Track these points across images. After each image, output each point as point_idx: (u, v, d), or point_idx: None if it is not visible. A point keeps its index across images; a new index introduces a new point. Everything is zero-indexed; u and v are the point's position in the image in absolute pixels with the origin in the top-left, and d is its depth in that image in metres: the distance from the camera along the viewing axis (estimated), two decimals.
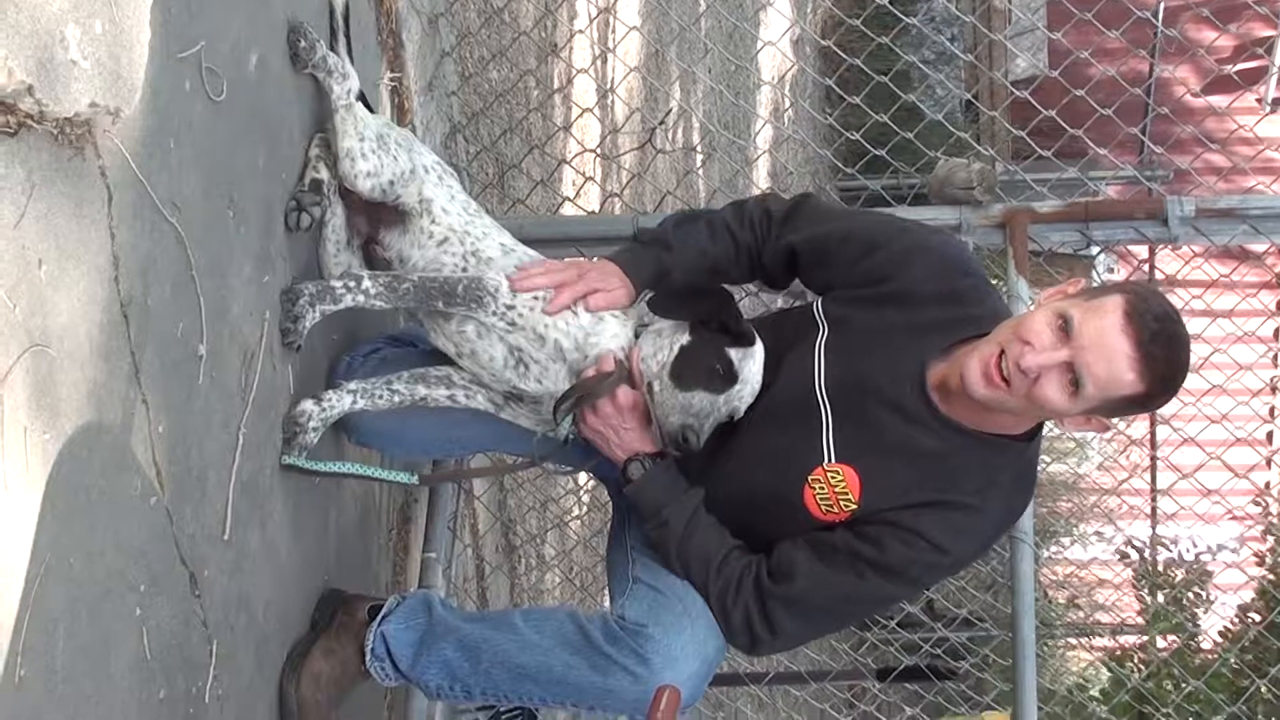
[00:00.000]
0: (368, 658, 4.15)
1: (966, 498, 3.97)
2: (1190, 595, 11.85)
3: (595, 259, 4.44)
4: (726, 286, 4.24)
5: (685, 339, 4.05)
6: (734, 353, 4.01)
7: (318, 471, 4.10)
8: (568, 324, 4.12)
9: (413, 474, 4.49)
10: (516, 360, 4.15)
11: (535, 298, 4.11)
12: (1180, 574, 12.14)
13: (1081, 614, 13.68)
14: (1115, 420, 4.09)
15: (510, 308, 4.09)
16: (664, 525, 4.08)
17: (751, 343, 4.05)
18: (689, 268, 4.30)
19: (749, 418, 4.10)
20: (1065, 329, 3.71)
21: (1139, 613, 12.65)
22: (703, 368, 4.00)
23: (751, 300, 5.62)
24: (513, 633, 4.06)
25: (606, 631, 3.95)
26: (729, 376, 3.99)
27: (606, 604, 4.34)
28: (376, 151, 4.12)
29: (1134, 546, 12.50)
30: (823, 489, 3.99)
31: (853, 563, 3.95)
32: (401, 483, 4.53)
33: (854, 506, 3.98)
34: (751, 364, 4.04)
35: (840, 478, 3.98)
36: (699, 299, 4.13)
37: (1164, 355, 3.67)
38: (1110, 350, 3.66)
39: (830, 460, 3.99)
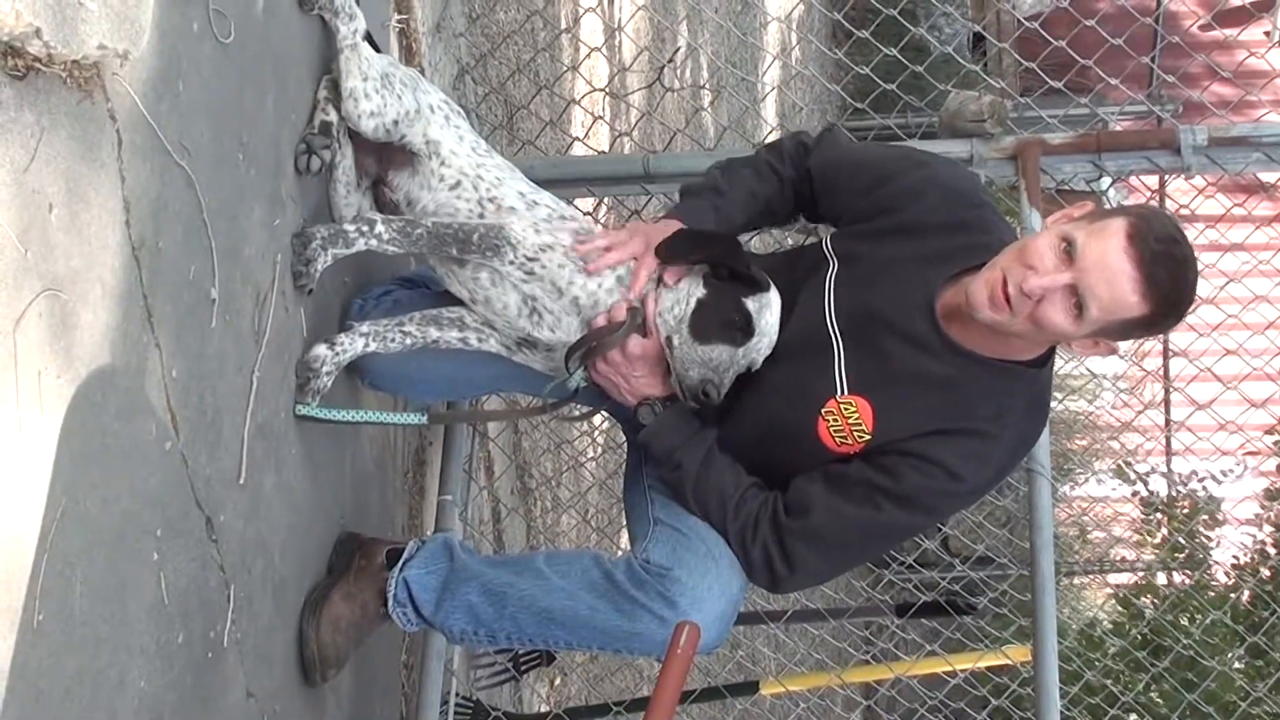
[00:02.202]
0: (390, 604, 4.16)
1: (980, 424, 3.96)
2: (1200, 526, 11.83)
3: (657, 218, 4.39)
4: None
5: (701, 291, 4.02)
6: (750, 303, 3.99)
7: (331, 420, 4.09)
8: (589, 280, 4.10)
9: (423, 414, 4.48)
10: (530, 309, 4.12)
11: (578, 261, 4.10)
12: (1186, 509, 12.14)
13: (1094, 550, 13.70)
14: (1123, 344, 4.06)
15: (532, 259, 4.07)
16: (678, 468, 4.08)
17: (766, 288, 4.04)
18: (744, 210, 4.30)
19: None
20: (1069, 252, 3.70)
21: (1153, 550, 12.65)
22: (721, 321, 3.98)
23: (762, 238, 5.61)
24: (537, 577, 4.06)
25: (631, 575, 3.96)
26: (747, 329, 3.98)
27: (625, 545, 4.33)
28: (380, 91, 4.08)
29: (1138, 475, 12.51)
30: (836, 421, 3.98)
31: (869, 494, 3.95)
32: (413, 424, 4.52)
33: (868, 437, 3.97)
34: (769, 315, 4.02)
35: (853, 409, 3.97)
36: (706, 241, 4.12)
37: (1168, 276, 3.65)
38: (1112, 272, 3.64)
39: (843, 392, 3.98)
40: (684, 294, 4.03)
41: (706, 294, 4.01)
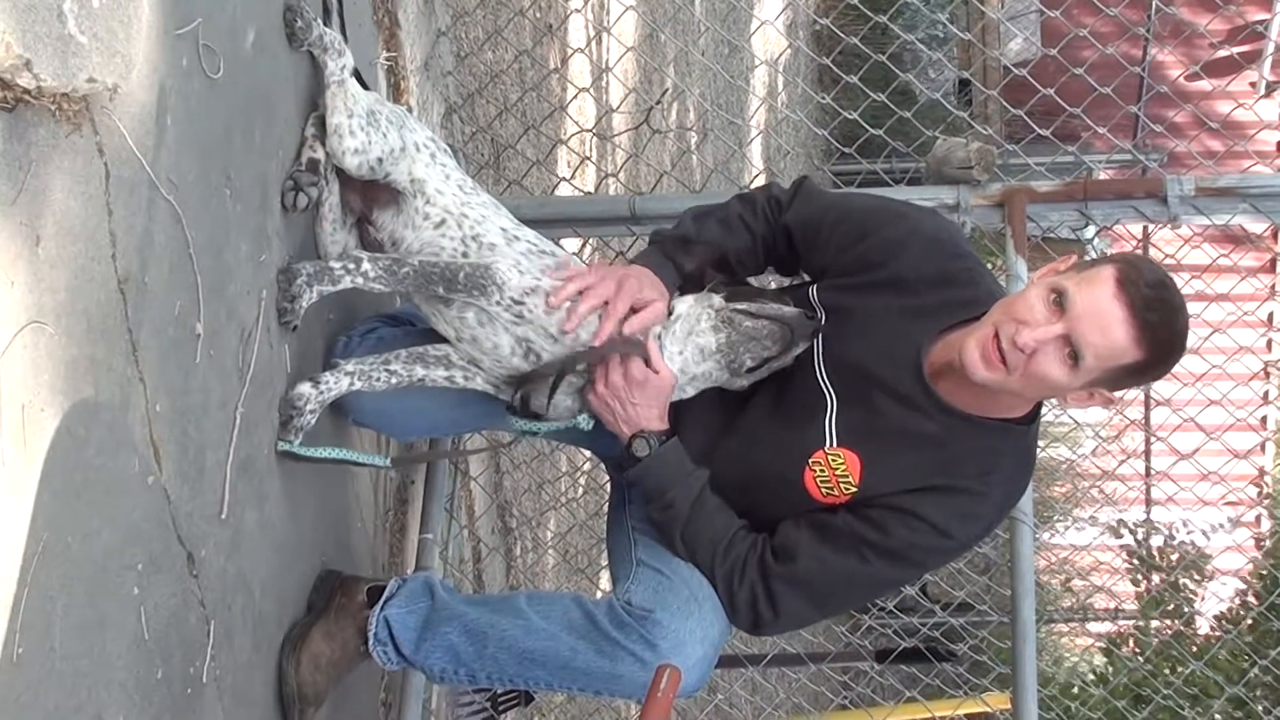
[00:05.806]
0: (371, 642, 4.14)
1: (968, 482, 3.95)
2: (1187, 579, 11.82)
3: (624, 260, 4.39)
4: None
5: (719, 300, 4.07)
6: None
7: (308, 458, 4.06)
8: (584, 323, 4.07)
9: (386, 458, 4.47)
10: (525, 350, 4.09)
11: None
12: (1175, 557, 12.12)
13: (1075, 599, 13.67)
14: (1117, 395, 4.04)
15: (518, 303, 4.05)
16: (670, 507, 4.07)
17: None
18: (710, 263, 4.28)
19: (754, 400, 4.10)
20: (1059, 303, 3.68)
21: (1135, 595, 12.64)
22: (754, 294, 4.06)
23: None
24: (518, 617, 4.04)
25: (613, 617, 3.95)
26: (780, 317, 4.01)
27: (606, 585, 4.32)
28: (365, 128, 4.06)
29: (1128, 528, 12.50)
30: (823, 471, 3.98)
31: (855, 545, 3.95)
32: (378, 467, 4.49)
33: (854, 490, 3.97)
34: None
35: (841, 461, 3.96)
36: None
37: (1160, 320, 3.63)
38: (1105, 318, 3.63)
39: (832, 444, 3.98)
40: (699, 310, 4.07)
41: (727, 292, 4.08)
